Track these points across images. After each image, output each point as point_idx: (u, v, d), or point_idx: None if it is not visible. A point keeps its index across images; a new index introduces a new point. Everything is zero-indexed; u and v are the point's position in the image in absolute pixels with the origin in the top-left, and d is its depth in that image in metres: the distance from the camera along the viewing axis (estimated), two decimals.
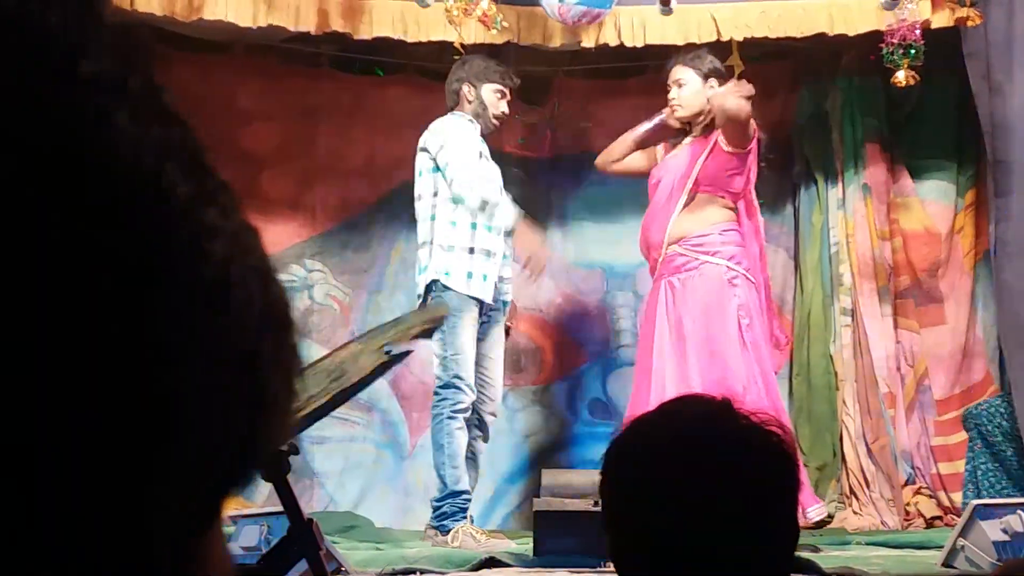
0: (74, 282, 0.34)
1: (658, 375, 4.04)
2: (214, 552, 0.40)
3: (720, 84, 4.16)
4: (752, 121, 4.10)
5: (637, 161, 4.41)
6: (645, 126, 4.35)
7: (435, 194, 4.16)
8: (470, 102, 4.23)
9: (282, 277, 0.42)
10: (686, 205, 4.14)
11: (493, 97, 4.24)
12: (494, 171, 4.23)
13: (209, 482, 0.38)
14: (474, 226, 4.13)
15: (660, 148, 4.39)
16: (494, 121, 4.27)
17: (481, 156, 4.18)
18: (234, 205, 0.41)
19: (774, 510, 1.13)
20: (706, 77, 4.16)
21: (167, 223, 0.36)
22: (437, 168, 4.13)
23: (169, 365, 0.35)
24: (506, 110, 4.29)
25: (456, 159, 4.07)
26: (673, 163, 4.25)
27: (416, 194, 4.26)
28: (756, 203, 4.29)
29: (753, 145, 4.13)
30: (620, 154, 4.41)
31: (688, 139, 4.26)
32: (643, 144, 4.39)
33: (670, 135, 4.37)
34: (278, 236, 5.21)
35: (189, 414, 0.36)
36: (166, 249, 0.36)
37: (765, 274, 4.31)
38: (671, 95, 4.20)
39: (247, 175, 5.18)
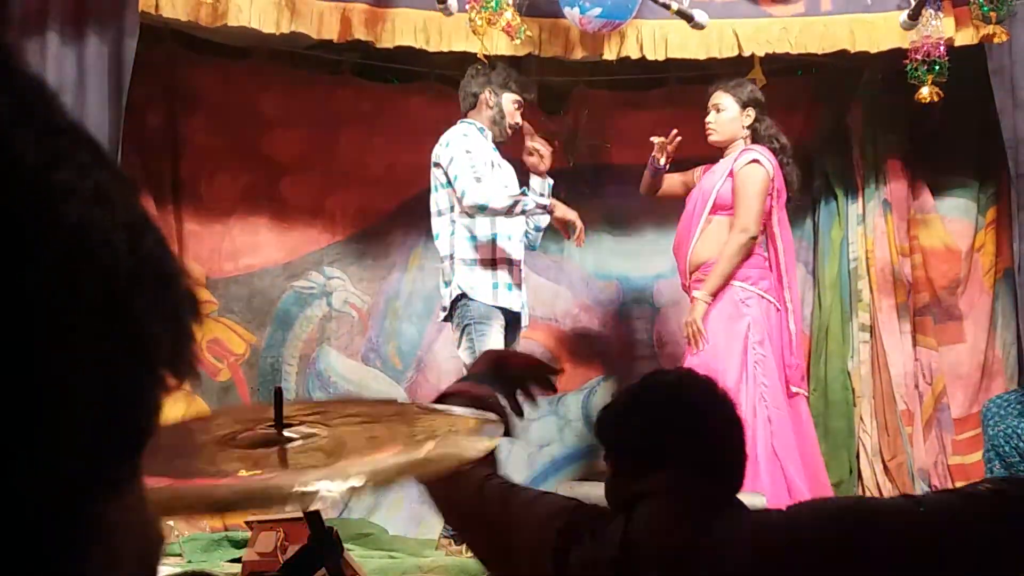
0: None
1: None
2: (130, 517, 0.38)
3: (758, 114, 4.24)
4: (762, 154, 4.14)
5: (675, 186, 4.47)
6: (648, 170, 4.40)
7: (452, 208, 4.17)
8: (489, 108, 4.26)
9: (161, 235, 0.42)
10: (703, 229, 4.18)
11: (512, 107, 4.28)
12: (509, 175, 4.25)
13: (98, 442, 0.37)
14: (495, 236, 4.15)
15: (699, 170, 4.43)
16: (509, 131, 4.30)
17: (494, 165, 4.20)
18: (98, 160, 0.40)
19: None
20: (744, 106, 4.23)
21: (14, 189, 0.36)
22: (450, 183, 4.13)
23: (29, 325, 0.35)
24: (520, 121, 4.32)
25: (465, 171, 4.06)
26: (701, 187, 4.30)
27: (435, 209, 4.27)
28: (778, 230, 4.28)
29: (770, 180, 4.17)
30: (644, 190, 4.49)
31: (719, 164, 4.30)
32: (654, 185, 4.43)
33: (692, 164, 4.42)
34: (297, 242, 5.22)
35: (57, 372, 0.35)
36: (13, 214, 0.35)
37: (795, 302, 4.29)
38: (708, 119, 4.26)
39: (268, 181, 5.20)
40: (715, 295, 4.08)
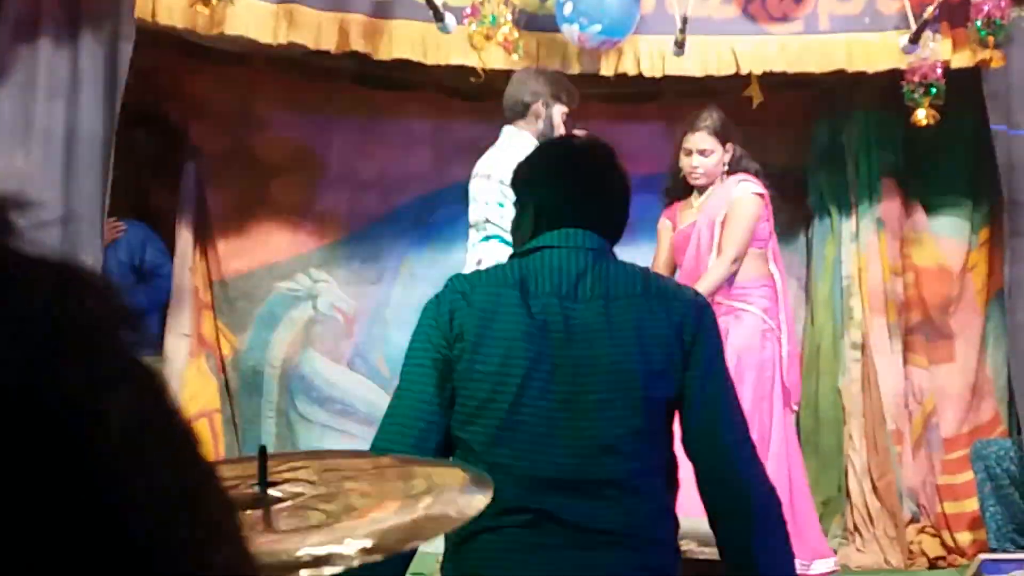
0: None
1: None
2: None
3: (729, 146, 4.24)
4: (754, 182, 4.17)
5: (666, 245, 4.43)
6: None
7: (486, 221, 4.04)
8: (539, 119, 4.11)
9: None
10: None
11: (560, 119, 4.13)
12: None
13: None
14: None
15: (666, 221, 4.41)
16: None
17: None
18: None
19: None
20: (723, 143, 4.22)
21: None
22: (503, 204, 3.99)
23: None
24: (564, 133, 4.13)
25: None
26: (701, 219, 4.27)
27: (472, 220, 4.14)
28: (775, 249, 4.33)
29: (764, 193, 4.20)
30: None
31: (703, 197, 4.29)
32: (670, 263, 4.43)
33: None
34: (285, 244, 5.20)
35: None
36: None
37: (789, 322, 4.32)
38: (694, 162, 4.21)
39: (261, 184, 5.18)
40: None
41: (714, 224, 4.20)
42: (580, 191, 2.01)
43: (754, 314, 4.15)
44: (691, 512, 3.56)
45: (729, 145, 4.22)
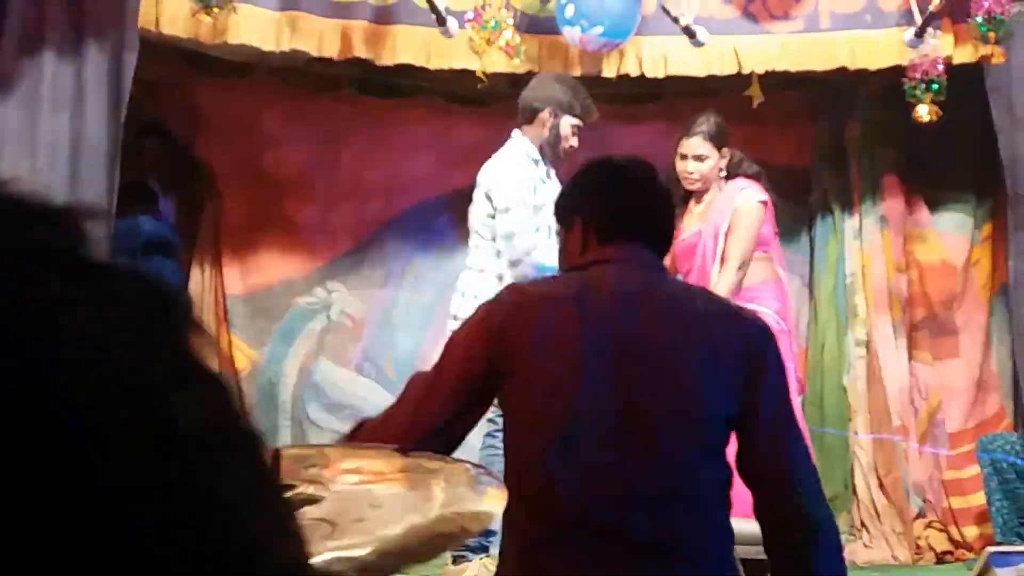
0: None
1: None
2: None
3: (725, 151, 4.24)
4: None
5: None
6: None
7: (493, 239, 4.07)
8: (546, 128, 4.08)
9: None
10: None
11: (569, 131, 4.10)
12: (548, 221, 4.04)
13: None
14: (537, 265, 4.07)
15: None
16: (563, 154, 4.11)
17: (536, 191, 4.08)
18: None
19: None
20: (719, 148, 4.22)
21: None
22: (493, 215, 4.03)
23: None
24: (576, 145, 4.12)
25: (517, 223, 3.96)
26: (706, 229, 4.28)
27: (471, 223, 4.16)
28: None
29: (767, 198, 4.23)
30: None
31: (702, 204, 4.30)
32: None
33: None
34: (303, 260, 5.24)
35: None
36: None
37: (790, 321, 4.36)
38: (689, 168, 4.21)
39: (271, 199, 5.21)
40: None
41: (718, 234, 4.20)
42: (632, 206, 2.01)
43: (767, 315, 4.17)
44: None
45: (725, 151, 4.22)
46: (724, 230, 4.17)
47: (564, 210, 2.08)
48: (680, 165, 4.23)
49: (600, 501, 1.81)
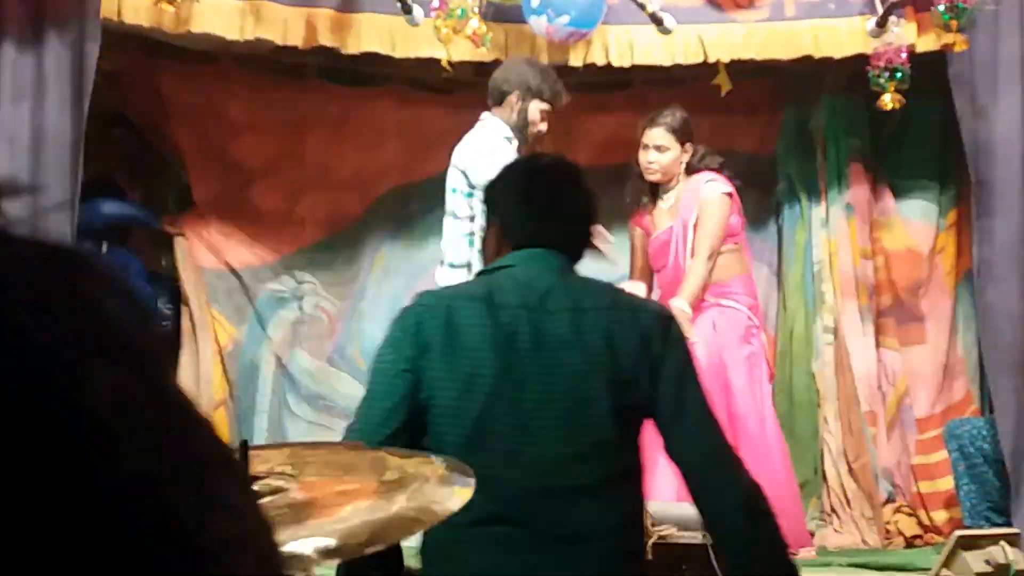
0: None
1: None
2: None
3: (688, 146, 4.27)
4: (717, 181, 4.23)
5: (641, 251, 4.45)
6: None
7: (472, 219, 4.04)
8: (515, 112, 4.07)
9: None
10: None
11: (538, 115, 4.09)
12: None
13: None
14: None
15: (637, 229, 4.44)
16: (530, 139, 4.12)
17: None
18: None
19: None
20: (682, 142, 4.25)
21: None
22: (471, 193, 4.00)
23: None
24: (544, 129, 4.12)
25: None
26: (676, 225, 4.30)
27: (448, 210, 4.13)
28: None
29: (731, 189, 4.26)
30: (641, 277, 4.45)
31: (670, 199, 4.31)
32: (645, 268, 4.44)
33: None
34: (269, 248, 5.20)
35: None
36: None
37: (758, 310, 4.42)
38: (650, 158, 4.25)
39: (237, 186, 5.17)
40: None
41: (687, 227, 4.24)
42: (544, 211, 2.06)
43: (739, 310, 4.23)
44: (664, 497, 3.61)
45: (688, 145, 4.27)
46: (692, 222, 4.20)
47: (489, 207, 2.17)
48: (642, 155, 4.27)
49: (511, 495, 1.88)
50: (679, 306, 4.10)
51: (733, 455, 1.99)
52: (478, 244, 4.05)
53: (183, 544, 0.36)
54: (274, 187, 5.22)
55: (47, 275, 0.36)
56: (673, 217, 4.28)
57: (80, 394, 0.35)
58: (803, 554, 4.22)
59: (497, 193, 2.13)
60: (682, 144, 4.26)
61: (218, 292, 5.14)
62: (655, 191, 4.37)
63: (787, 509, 4.11)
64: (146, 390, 0.37)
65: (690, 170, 4.30)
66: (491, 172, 3.95)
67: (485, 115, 4.14)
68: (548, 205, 2.06)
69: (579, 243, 2.11)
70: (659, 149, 4.24)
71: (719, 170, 4.30)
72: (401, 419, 1.95)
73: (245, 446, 1.40)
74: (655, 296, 4.36)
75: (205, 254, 5.13)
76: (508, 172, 2.17)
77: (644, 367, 1.94)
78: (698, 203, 4.22)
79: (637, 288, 4.33)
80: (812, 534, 4.67)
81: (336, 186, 5.27)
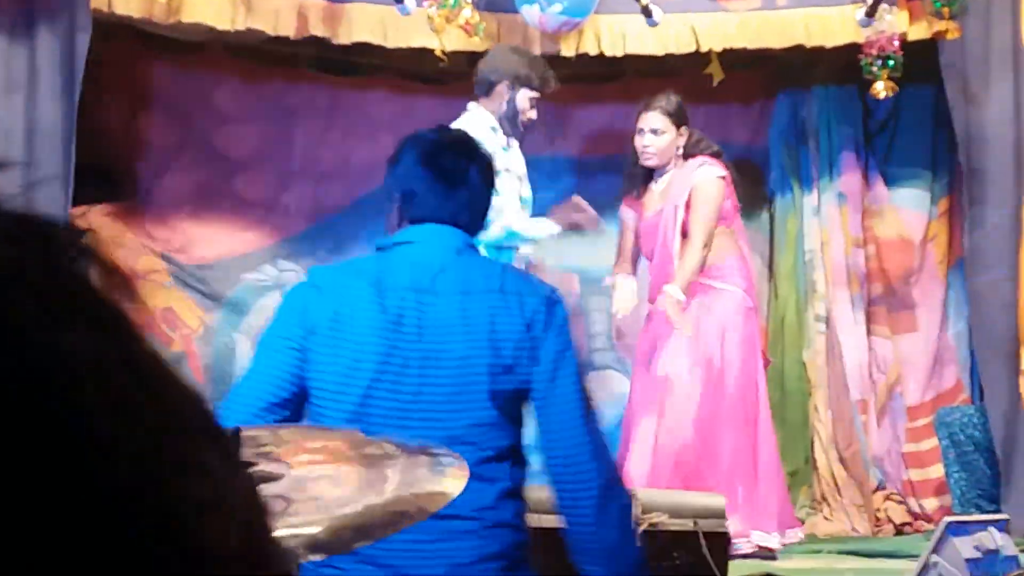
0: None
1: (668, 385, 4.17)
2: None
3: (683, 129, 4.28)
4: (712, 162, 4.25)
5: (630, 236, 4.45)
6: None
7: None
8: (504, 101, 4.06)
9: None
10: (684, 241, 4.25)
11: (527, 103, 4.07)
12: (512, 183, 4.08)
13: None
14: (500, 241, 4.09)
15: (628, 210, 4.47)
16: (521, 127, 4.12)
17: (496, 158, 4.06)
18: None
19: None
20: (678, 125, 4.26)
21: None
22: None
23: None
24: (534, 116, 4.12)
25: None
26: (667, 206, 4.31)
27: None
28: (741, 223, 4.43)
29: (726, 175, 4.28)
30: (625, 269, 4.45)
31: (663, 183, 4.32)
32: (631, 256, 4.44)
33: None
34: (251, 238, 5.18)
35: None
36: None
37: (754, 296, 4.43)
38: (645, 142, 4.26)
39: (221, 175, 5.16)
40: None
41: (677, 209, 4.24)
42: (441, 185, 2.05)
43: (733, 292, 4.24)
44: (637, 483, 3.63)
45: (684, 129, 4.27)
46: (683, 203, 4.21)
47: (388, 180, 2.14)
48: (638, 140, 4.28)
49: None
50: (672, 292, 4.11)
51: (596, 444, 2.01)
52: None
53: (151, 504, 0.35)
54: (259, 177, 5.19)
55: (15, 244, 0.36)
56: (664, 200, 4.29)
57: (54, 361, 0.35)
58: (791, 536, 4.25)
59: (395, 166, 2.11)
60: (677, 127, 4.27)
61: (188, 276, 5.09)
62: (649, 175, 4.38)
63: (774, 492, 4.15)
64: (119, 355, 0.37)
65: (687, 155, 4.31)
66: None
67: (471, 106, 4.13)
68: (445, 179, 2.05)
69: (477, 218, 2.11)
70: (655, 132, 4.26)
71: (715, 156, 4.31)
72: (282, 396, 1.97)
73: (237, 435, 1.41)
74: (645, 281, 4.38)
75: (178, 252, 5.08)
76: (407, 144, 2.13)
77: (525, 351, 1.97)
78: (690, 186, 4.23)
79: (625, 278, 4.35)
80: (802, 522, 4.70)
81: (322, 177, 5.24)
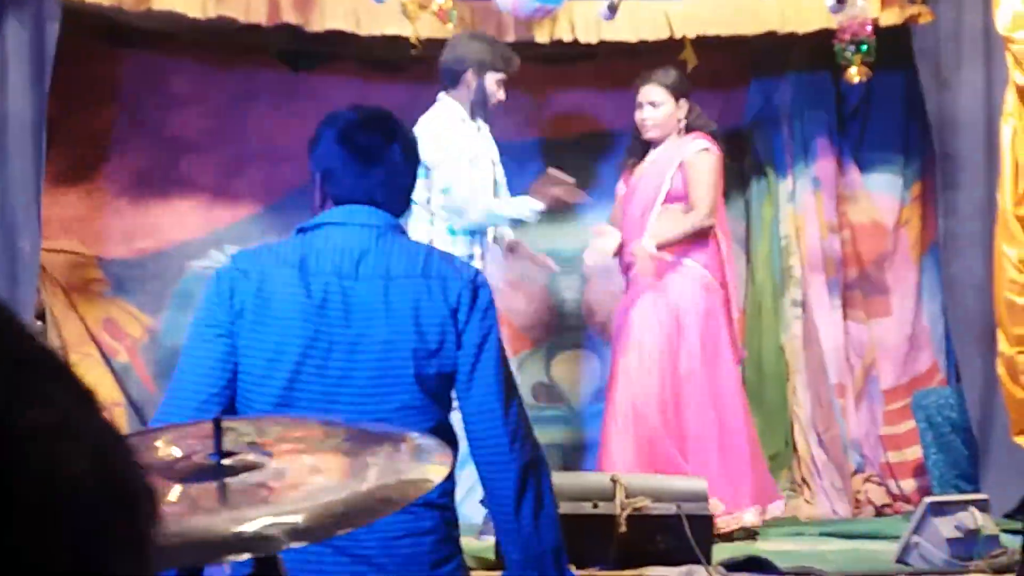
0: None
1: (638, 365, 4.17)
2: None
3: (683, 102, 4.28)
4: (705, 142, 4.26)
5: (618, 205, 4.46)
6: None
7: (428, 200, 4.02)
8: (472, 89, 4.08)
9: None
10: (657, 219, 4.24)
11: (495, 86, 4.10)
12: (487, 167, 4.09)
13: None
14: (475, 231, 4.07)
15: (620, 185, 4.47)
16: (492, 111, 4.16)
17: (470, 161, 4.06)
18: (62, 384, 0.41)
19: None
20: (677, 97, 4.26)
21: None
22: (426, 174, 3.97)
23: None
24: (503, 99, 4.15)
25: (451, 174, 3.96)
26: (647, 179, 4.31)
27: None
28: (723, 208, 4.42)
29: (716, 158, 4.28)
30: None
31: (653, 155, 4.33)
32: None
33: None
34: (198, 222, 5.06)
35: None
36: None
37: (732, 281, 4.43)
38: (644, 115, 4.28)
39: (168, 160, 5.06)
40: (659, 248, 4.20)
41: (663, 175, 4.25)
42: (358, 164, 2.03)
43: (692, 267, 4.24)
44: (618, 468, 3.62)
45: (683, 101, 4.29)
46: (670, 174, 4.23)
47: (311, 161, 2.10)
48: (637, 113, 4.32)
49: None
50: (644, 244, 4.14)
51: (518, 428, 2.01)
52: (438, 224, 4.05)
53: None
54: (208, 161, 5.06)
55: None
56: (652, 164, 4.33)
57: None
58: (773, 510, 4.28)
59: (315, 146, 2.08)
60: (676, 100, 4.27)
61: (129, 281, 4.98)
62: (646, 148, 4.39)
63: (748, 465, 4.16)
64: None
65: (689, 129, 4.33)
66: (437, 156, 3.99)
67: (440, 96, 4.14)
68: (362, 157, 2.03)
69: (398, 197, 2.08)
70: (653, 105, 4.27)
71: (710, 134, 4.33)
72: (218, 384, 1.96)
73: (218, 424, 1.39)
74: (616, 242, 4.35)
75: (108, 243, 4.99)
76: (326, 123, 2.10)
77: (450, 335, 1.98)
78: (680, 159, 4.25)
79: (613, 229, 4.34)
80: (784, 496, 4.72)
81: (275, 161, 5.08)
